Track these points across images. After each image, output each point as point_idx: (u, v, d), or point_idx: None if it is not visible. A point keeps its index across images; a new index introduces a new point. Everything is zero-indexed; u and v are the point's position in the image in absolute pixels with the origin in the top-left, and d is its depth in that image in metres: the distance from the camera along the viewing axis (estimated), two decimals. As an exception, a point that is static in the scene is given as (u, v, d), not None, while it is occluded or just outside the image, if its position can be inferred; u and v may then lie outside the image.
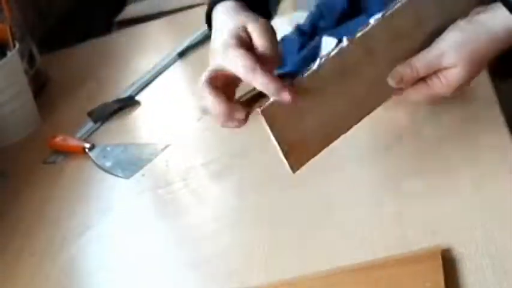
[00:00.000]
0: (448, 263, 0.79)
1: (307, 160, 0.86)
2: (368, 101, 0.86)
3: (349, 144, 1.06)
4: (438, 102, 0.91)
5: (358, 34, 0.81)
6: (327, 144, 0.86)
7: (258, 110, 0.82)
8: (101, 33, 1.96)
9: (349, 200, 0.95)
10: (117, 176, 1.23)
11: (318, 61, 0.81)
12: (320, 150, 0.86)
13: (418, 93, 0.85)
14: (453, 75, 0.82)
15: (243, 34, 0.86)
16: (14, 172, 1.37)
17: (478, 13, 0.82)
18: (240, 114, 0.85)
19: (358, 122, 0.86)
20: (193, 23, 1.74)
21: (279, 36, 1.37)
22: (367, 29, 0.81)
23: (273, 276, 0.88)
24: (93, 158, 1.30)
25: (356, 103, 0.85)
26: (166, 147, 1.26)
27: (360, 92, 0.84)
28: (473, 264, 0.78)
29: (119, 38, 1.91)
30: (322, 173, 1.03)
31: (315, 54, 1.26)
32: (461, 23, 0.83)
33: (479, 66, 0.83)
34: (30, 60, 1.62)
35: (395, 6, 0.82)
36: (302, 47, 1.29)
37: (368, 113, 0.86)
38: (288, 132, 0.83)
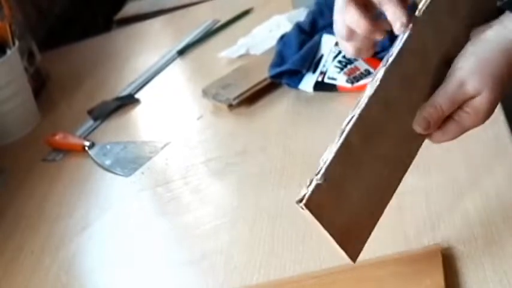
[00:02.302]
0: (448, 261, 0.79)
1: (364, 243, 0.76)
2: (403, 156, 0.78)
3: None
4: None
5: (369, 92, 0.73)
6: (378, 218, 0.77)
7: (300, 205, 0.70)
8: (101, 32, 1.96)
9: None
10: (117, 174, 1.23)
11: (339, 136, 0.73)
12: (373, 227, 0.76)
13: (448, 133, 0.77)
14: (480, 103, 0.75)
15: None
16: (13, 170, 1.37)
17: (483, 32, 0.77)
18: (380, 35, 0.78)
19: (400, 182, 0.78)
20: (192, 21, 1.75)
21: (279, 34, 1.38)
22: (376, 83, 0.73)
23: (273, 274, 0.88)
24: (93, 156, 1.30)
25: (392, 163, 0.77)
26: (166, 145, 1.26)
27: (392, 150, 0.76)
28: (473, 263, 0.79)
29: (119, 36, 1.91)
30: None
31: (314, 52, 1.27)
32: (470, 48, 0.77)
33: (502, 84, 0.75)
34: (30, 58, 1.62)
35: (396, 51, 0.75)
36: (302, 45, 1.29)
37: (407, 169, 0.78)
38: (337, 219, 0.72)
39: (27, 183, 1.30)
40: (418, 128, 0.76)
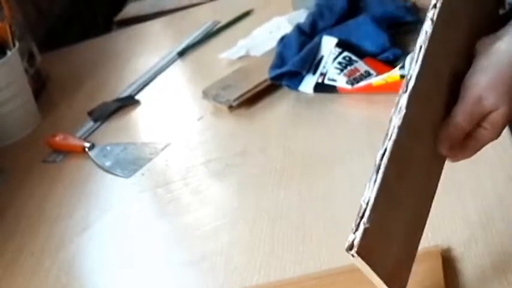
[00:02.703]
0: (448, 263, 0.79)
1: (407, 279, 0.73)
2: (430, 181, 0.77)
3: (349, 143, 1.06)
4: None
5: (396, 122, 0.71)
6: (416, 251, 0.74)
7: (351, 252, 0.66)
8: (101, 33, 1.96)
9: (350, 199, 0.95)
10: (117, 175, 1.23)
11: (376, 172, 0.70)
12: (413, 260, 0.74)
13: (467, 151, 0.76)
14: (497, 117, 0.74)
15: None
16: (14, 171, 1.37)
17: (493, 43, 0.75)
18: None
19: (430, 209, 0.76)
20: (192, 22, 1.75)
21: (279, 36, 1.38)
22: (402, 112, 0.71)
23: (273, 275, 0.88)
24: (93, 157, 1.30)
25: (423, 191, 0.75)
26: (166, 146, 1.26)
27: (422, 178, 0.75)
28: (473, 264, 0.79)
29: (119, 37, 1.91)
30: (322, 172, 1.03)
31: (314, 53, 1.27)
32: (483, 61, 0.75)
33: None
34: (30, 59, 1.62)
35: (414, 74, 0.73)
36: (302, 46, 1.29)
37: (434, 194, 0.76)
38: (384, 260, 0.69)
39: (27, 184, 1.30)
40: (442, 149, 0.75)
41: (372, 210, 0.68)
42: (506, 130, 0.94)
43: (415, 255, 0.74)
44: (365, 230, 0.67)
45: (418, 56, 0.73)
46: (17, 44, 1.48)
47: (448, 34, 0.77)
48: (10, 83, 1.44)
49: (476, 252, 0.80)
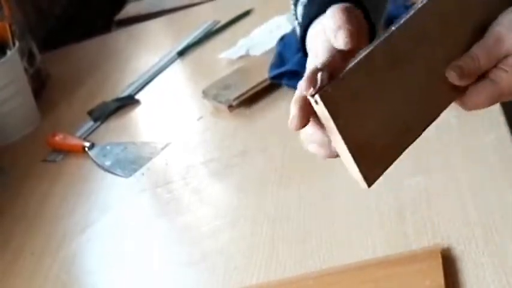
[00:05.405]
0: (448, 262, 0.79)
1: (384, 168, 0.69)
2: (430, 100, 0.74)
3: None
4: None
5: (402, 21, 0.70)
6: (399, 151, 0.71)
7: (315, 97, 0.66)
8: (101, 32, 1.96)
9: (349, 199, 0.95)
10: (117, 174, 1.23)
11: (366, 49, 0.69)
12: (393, 158, 0.71)
13: (483, 93, 0.73)
14: None
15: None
16: (13, 170, 1.37)
17: None
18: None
19: (423, 130, 0.73)
20: (192, 21, 1.75)
21: (279, 35, 1.38)
22: (410, 14, 0.70)
23: (273, 274, 0.88)
24: (93, 157, 1.30)
25: (416, 101, 0.73)
26: (166, 146, 1.26)
27: (419, 89, 0.72)
28: (472, 263, 0.79)
29: (119, 36, 1.91)
30: (322, 172, 1.03)
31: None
32: None
33: None
34: (30, 58, 1.62)
35: None
36: (302, 46, 1.29)
37: (433, 116, 0.74)
38: (354, 130, 0.67)
39: (27, 183, 1.30)
40: (451, 75, 0.72)
41: (347, 72, 0.67)
42: (506, 129, 0.94)
43: (394, 158, 0.71)
44: (336, 81, 0.66)
45: None
46: (17, 44, 1.48)
47: None
48: (10, 83, 1.44)
49: (477, 250, 0.80)
